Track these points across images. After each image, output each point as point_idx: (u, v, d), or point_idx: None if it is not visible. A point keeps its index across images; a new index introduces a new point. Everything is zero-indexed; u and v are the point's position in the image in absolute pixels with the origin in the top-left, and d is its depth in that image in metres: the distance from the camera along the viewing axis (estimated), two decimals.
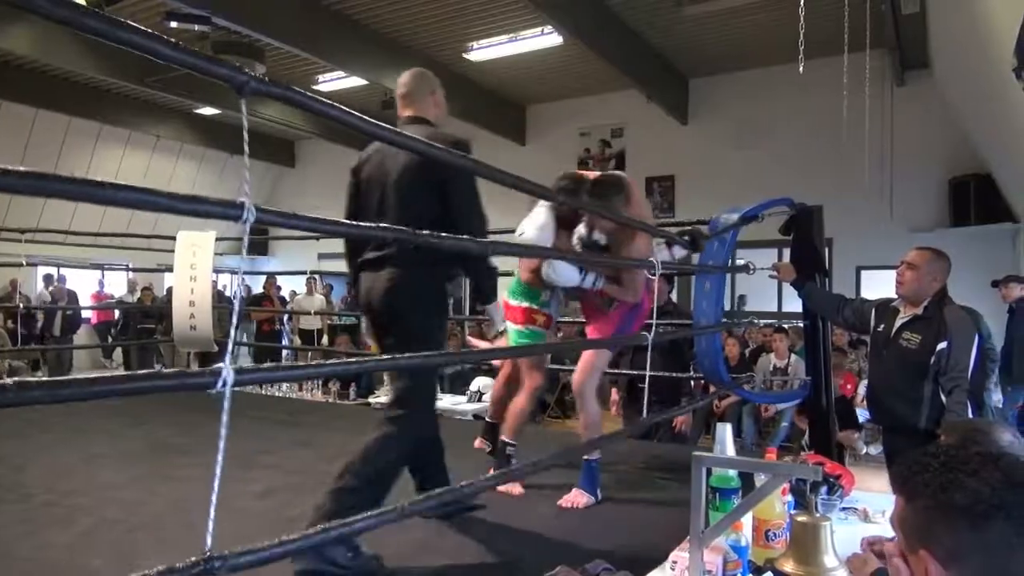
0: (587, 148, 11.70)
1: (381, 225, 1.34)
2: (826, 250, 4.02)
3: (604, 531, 2.65)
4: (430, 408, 2.62)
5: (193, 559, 0.98)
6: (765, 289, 8.62)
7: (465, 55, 9.58)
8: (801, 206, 3.68)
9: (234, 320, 1.06)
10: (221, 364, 1.01)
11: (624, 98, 10.67)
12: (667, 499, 2.98)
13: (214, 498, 1.02)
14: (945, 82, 8.00)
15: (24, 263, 6.11)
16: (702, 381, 4.52)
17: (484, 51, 9.44)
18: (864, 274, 9.59)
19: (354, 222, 1.20)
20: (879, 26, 7.33)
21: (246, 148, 1.07)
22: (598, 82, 10.53)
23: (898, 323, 3.08)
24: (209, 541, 1.02)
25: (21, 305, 8.27)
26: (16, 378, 0.86)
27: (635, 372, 4.30)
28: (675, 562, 1.77)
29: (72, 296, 11.82)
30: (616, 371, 4.57)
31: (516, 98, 11.84)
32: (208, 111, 12.21)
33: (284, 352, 10.00)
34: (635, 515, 2.84)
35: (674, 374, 4.28)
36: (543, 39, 8.93)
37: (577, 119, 11.68)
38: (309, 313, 9.59)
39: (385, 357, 1.75)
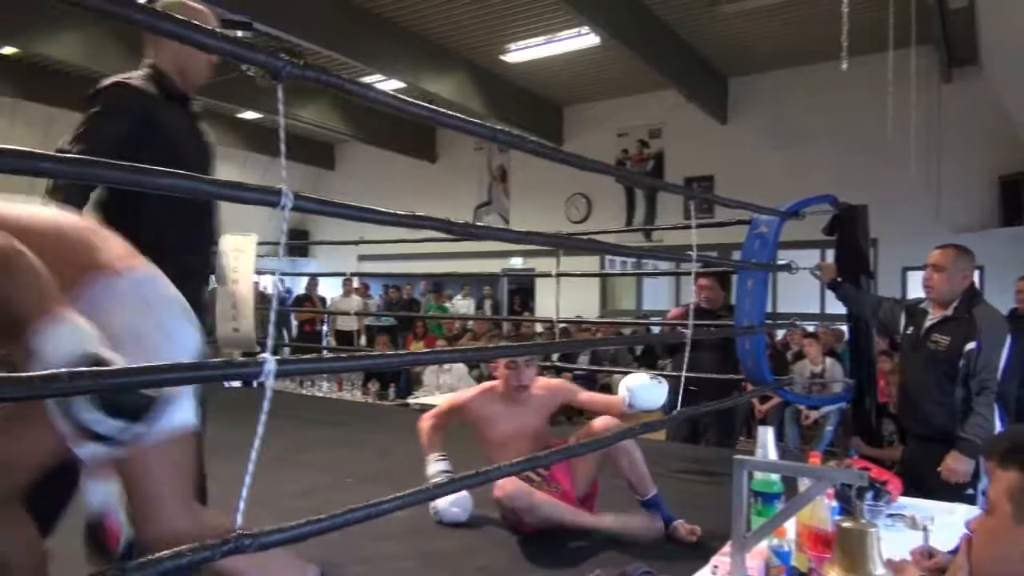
0: (624, 149, 11.63)
1: (419, 215, 1.34)
2: (871, 251, 3.94)
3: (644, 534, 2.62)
4: None
5: (223, 536, 1.01)
6: (811, 291, 8.47)
7: (502, 56, 9.60)
8: (845, 205, 3.61)
9: (271, 316, 1.07)
10: (264, 355, 1.03)
11: (662, 98, 10.59)
12: (709, 502, 2.93)
13: (247, 478, 1.04)
14: (995, 78, 7.77)
15: None
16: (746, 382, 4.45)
17: (521, 52, 9.45)
18: (910, 275, 9.35)
19: (391, 211, 1.21)
20: (925, 21, 7.15)
21: (283, 134, 1.08)
22: (636, 82, 10.46)
23: (927, 324, 2.98)
24: (240, 520, 1.03)
25: None
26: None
27: (685, 374, 4.23)
28: (716, 566, 1.74)
29: None
30: (664, 373, 4.55)
31: (553, 99, 11.83)
32: (250, 115, 12.41)
33: (324, 352, 10.12)
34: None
35: (726, 376, 4.20)
36: (580, 40, 8.91)
37: (614, 120, 11.63)
38: (348, 314, 9.68)
39: (424, 351, 1.75)
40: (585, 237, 3.02)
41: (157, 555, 0.90)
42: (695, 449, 4.17)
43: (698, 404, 3.02)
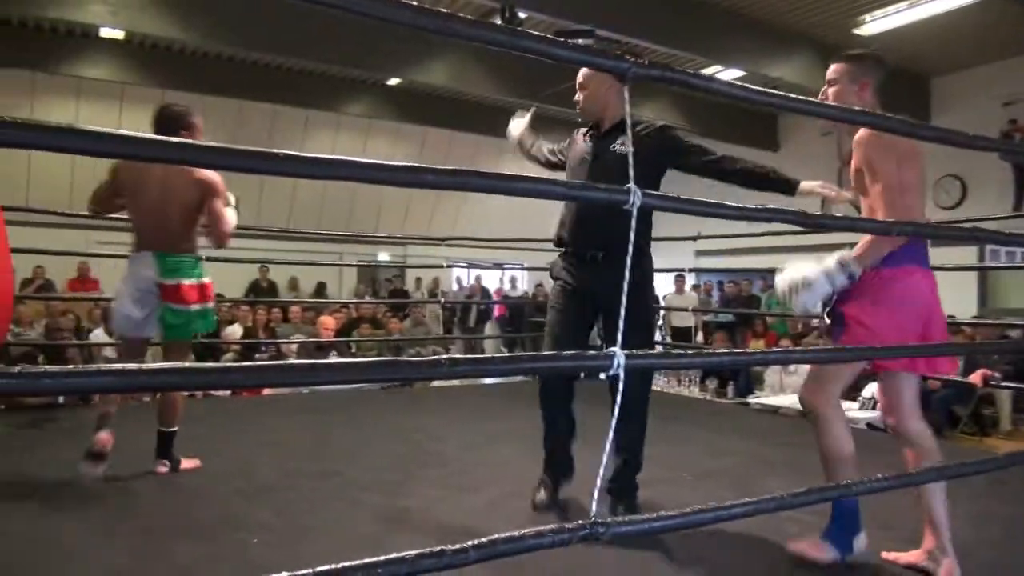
0: (1012, 119, 9.89)
1: (769, 207, 1.29)
2: None
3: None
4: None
5: (580, 522, 1.09)
6: None
7: (856, 31, 8.76)
8: None
9: (621, 312, 1.12)
10: (614, 348, 1.09)
11: None
12: None
13: (601, 470, 1.12)
14: None
15: (445, 264, 7.20)
16: None
17: (878, 23, 8.54)
18: None
19: (739, 205, 1.21)
20: None
21: (629, 133, 1.12)
22: None
23: None
24: (595, 507, 1.13)
25: (443, 300, 9.76)
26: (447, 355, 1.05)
27: None
28: None
29: (485, 292, 13.77)
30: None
31: (917, 70, 10.49)
32: None
33: (658, 348, 10.21)
34: None
35: None
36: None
37: (997, 86, 9.94)
38: (686, 310, 9.67)
39: (769, 350, 1.67)
40: (968, 225, 2.63)
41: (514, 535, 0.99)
42: None
43: None
